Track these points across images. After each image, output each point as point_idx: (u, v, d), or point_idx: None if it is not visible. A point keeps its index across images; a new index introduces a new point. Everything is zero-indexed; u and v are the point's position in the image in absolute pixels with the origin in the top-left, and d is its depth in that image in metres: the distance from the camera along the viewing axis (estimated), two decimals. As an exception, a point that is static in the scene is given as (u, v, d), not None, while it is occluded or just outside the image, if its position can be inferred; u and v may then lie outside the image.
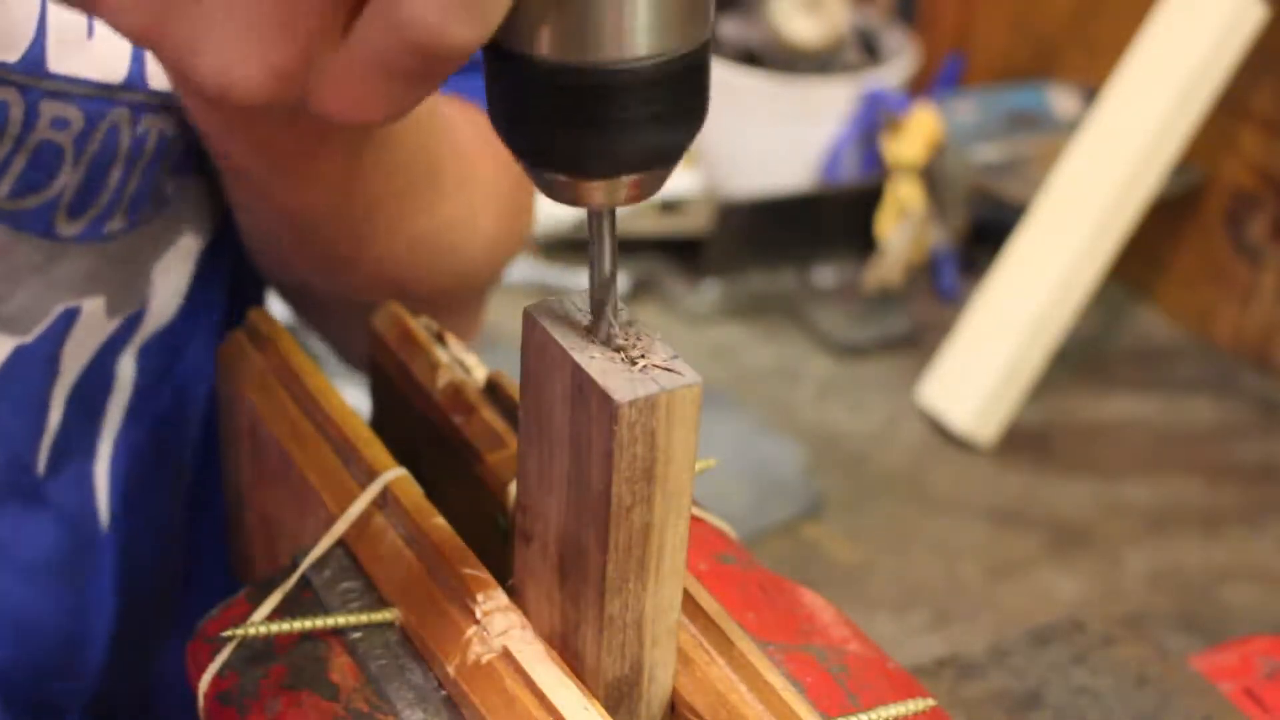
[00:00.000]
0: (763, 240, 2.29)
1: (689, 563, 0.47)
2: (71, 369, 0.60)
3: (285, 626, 0.49)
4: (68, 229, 0.57)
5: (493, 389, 0.57)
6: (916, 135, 2.22)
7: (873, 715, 0.49)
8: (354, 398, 0.59)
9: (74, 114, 0.55)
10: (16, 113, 0.53)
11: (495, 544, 0.53)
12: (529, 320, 0.44)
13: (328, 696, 0.48)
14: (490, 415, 0.56)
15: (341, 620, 0.50)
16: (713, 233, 2.26)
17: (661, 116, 0.39)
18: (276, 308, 0.70)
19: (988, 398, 1.99)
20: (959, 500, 1.92)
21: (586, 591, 0.45)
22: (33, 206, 0.55)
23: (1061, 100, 2.29)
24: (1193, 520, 1.90)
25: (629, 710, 0.48)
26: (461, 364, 0.58)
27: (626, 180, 0.40)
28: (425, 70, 0.36)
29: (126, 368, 0.63)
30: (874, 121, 2.30)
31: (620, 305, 0.43)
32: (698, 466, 0.45)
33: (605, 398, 0.41)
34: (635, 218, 2.21)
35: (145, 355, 0.64)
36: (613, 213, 0.42)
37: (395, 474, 0.53)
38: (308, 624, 0.50)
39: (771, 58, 2.35)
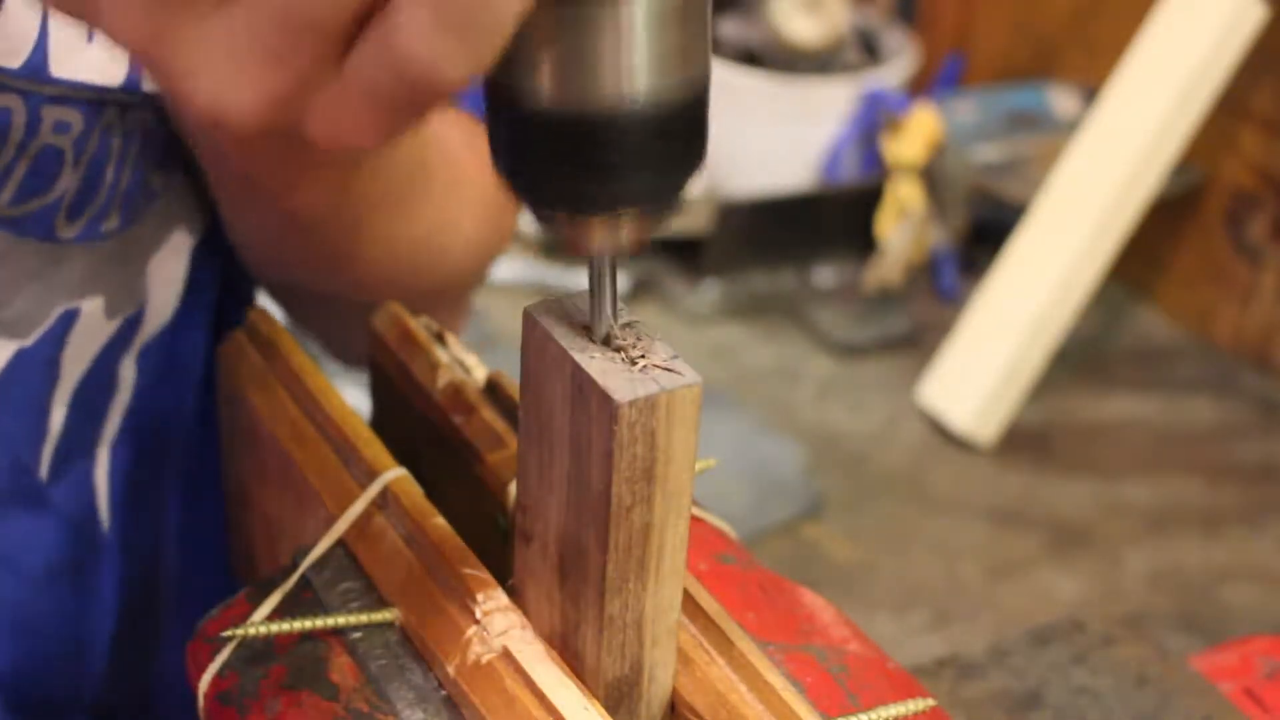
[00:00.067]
0: (763, 240, 2.28)
1: (689, 563, 0.47)
2: (72, 372, 0.60)
3: (285, 626, 0.49)
4: (67, 231, 0.57)
5: (493, 389, 0.57)
6: (916, 135, 2.22)
7: (873, 715, 0.49)
8: (354, 398, 0.59)
9: (74, 117, 0.55)
10: (19, 119, 0.53)
11: (495, 544, 0.53)
12: (529, 320, 0.44)
13: (328, 696, 0.48)
14: (490, 415, 0.56)
15: (341, 620, 0.50)
16: (713, 233, 2.25)
17: (658, 156, 0.39)
18: (277, 309, 0.70)
19: (988, 398, 1.99)
20: (959, 500, 1.91)
21: (586, 591, 0.45)
22: (34, 211, 0.56)
23: (1061, 100, 2.29)
24: (1193, 520, 1.90)
25: (629, 710, 0.48)
26: (461, 364, 0.58)
27: (625, 218, 0.40)
28: (418, 101, 0.36)
29: (128, 371, 0.63)
30: (874, 121, 2.30)
31: (620, 305, 0.43)
32: (698, 466, 0.45)
33: (605, 398, 0.41)
34: (635, 218, 2.21)
35: (145, 357, 0.64)
36: (614, 266, 0.42)
37: (395, 474, 0.53)
38: (308, 624, 0.50)
39: (771, 58, 2.35)
